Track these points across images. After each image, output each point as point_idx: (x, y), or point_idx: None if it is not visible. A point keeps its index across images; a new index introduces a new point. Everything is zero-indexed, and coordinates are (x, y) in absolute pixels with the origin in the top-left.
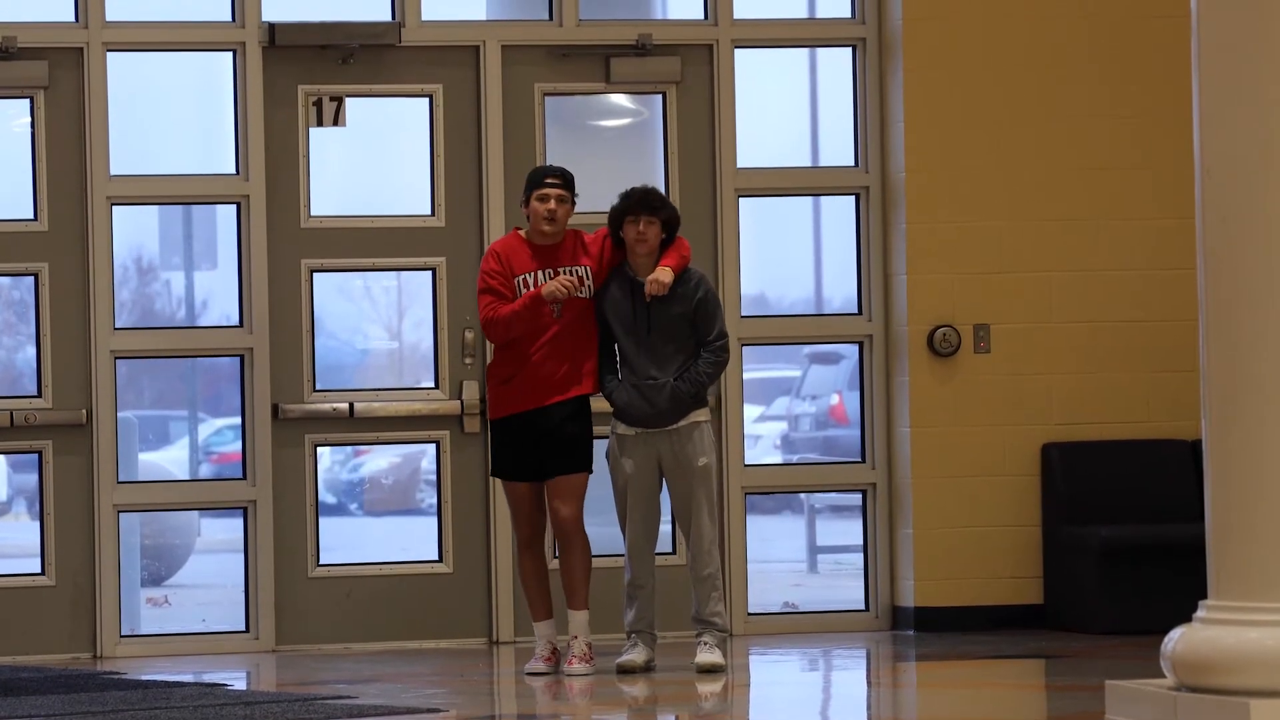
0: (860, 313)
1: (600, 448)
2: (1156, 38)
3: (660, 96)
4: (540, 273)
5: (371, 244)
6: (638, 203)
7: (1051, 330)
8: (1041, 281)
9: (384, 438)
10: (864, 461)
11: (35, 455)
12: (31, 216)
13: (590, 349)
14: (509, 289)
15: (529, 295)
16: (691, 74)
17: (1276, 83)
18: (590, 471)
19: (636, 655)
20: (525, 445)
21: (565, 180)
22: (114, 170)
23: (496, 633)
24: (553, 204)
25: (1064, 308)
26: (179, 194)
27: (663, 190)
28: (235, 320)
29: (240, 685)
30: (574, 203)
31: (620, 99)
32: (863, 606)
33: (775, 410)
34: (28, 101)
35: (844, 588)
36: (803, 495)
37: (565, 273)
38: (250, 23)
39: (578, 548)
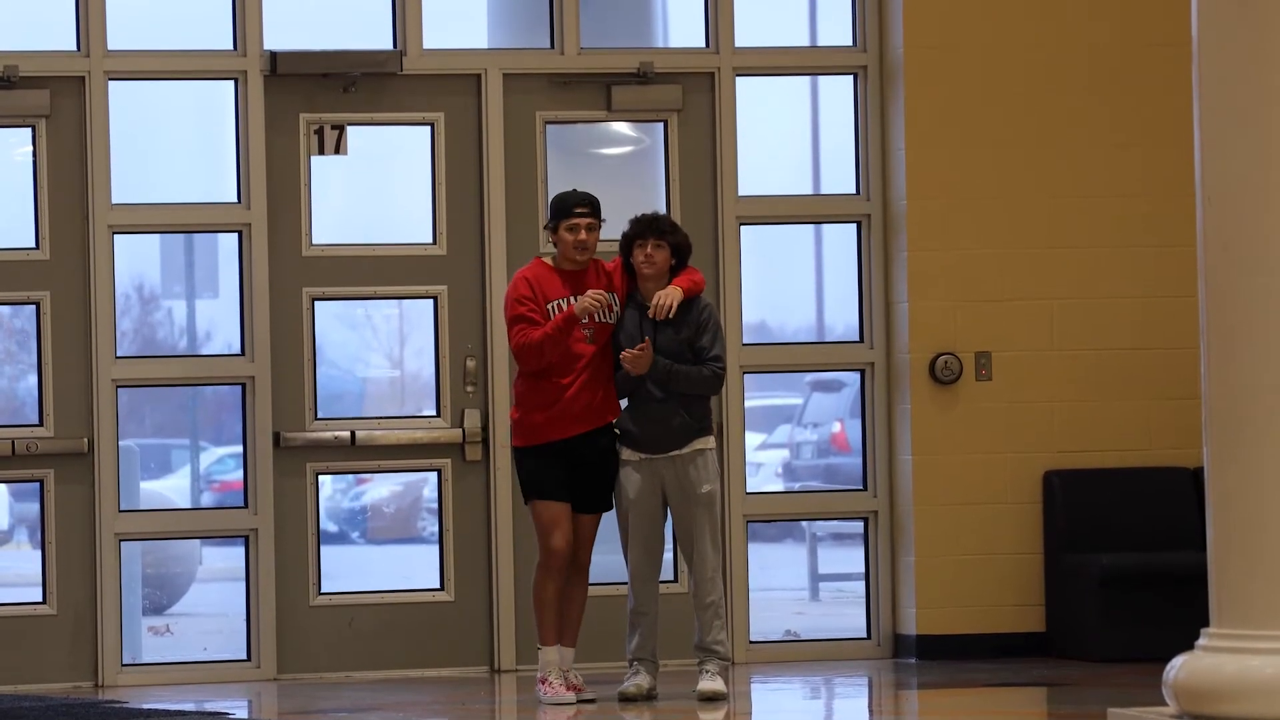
0: (862, 340)
1: None
2: (1156, 65)
3: (661, 124)
4: (571, 298)
5: (373, 272)
6: (646, 226)
7: (1053, 358)
8: (1043, 309)
9: (385, 466)
10: (866, 489)
11: (36, 484)
12: (33, 245)
13: None
14: (541, 315)
15: (561, 316)
16: (693, 102)
17: (1277, 110)
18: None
19: (639, 683)
20: (564, 467)
21: (593, 207)
22: (115, 199)
23: (498, 661)
24: (583, 234)
25: (1065, 335)
26: (180, 222)
27: None
28: (237, 349)
29: (242, 714)
30: (599, 227)
31: (622, 127)
32: (864, 634)
33: (777, 438)
34: (29, 130)
35: (846, 615)
36: (804, 523)
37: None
38: (252, 51)
39: (584, 585)
